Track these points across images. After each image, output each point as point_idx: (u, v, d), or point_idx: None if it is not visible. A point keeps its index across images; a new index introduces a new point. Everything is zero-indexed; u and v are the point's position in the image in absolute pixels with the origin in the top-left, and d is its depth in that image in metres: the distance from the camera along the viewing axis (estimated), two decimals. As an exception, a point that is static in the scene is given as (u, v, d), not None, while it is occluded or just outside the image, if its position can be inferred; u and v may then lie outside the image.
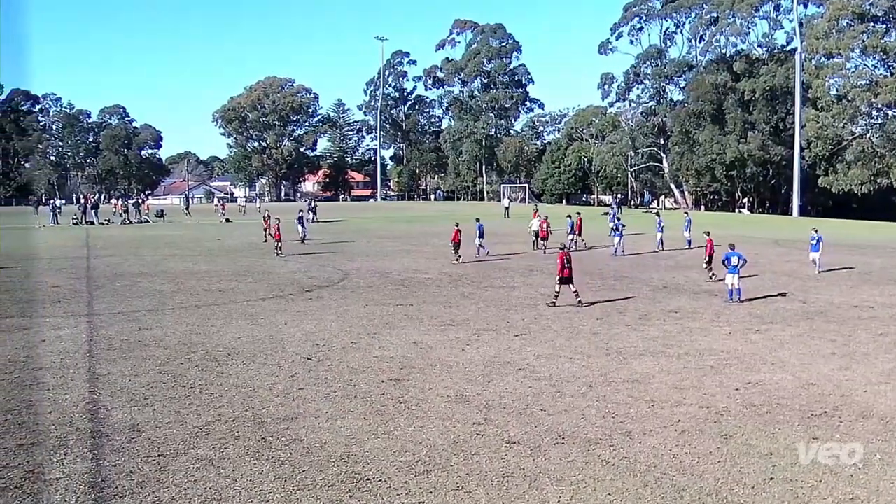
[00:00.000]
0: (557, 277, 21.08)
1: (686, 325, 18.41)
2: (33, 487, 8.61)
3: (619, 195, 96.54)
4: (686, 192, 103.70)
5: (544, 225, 37.07)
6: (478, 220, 36.14)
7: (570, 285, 21.02)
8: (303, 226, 42.29)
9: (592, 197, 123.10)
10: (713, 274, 25.96)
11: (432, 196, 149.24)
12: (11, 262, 33.88)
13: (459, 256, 31.85)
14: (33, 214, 76.52)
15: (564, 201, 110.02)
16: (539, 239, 36.82)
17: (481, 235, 34.67)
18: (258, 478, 8.88)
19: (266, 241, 41.43)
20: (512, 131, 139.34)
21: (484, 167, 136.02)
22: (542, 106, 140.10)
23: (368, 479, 8.82)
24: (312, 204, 72.18)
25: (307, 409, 11.50)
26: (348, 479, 8.81)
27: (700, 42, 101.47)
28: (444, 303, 21.67)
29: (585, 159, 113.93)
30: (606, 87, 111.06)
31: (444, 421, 10.92)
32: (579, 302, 20.93)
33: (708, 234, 27.46)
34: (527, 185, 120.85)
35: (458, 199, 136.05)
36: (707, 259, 26.42)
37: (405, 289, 24.53)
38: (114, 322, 18.88)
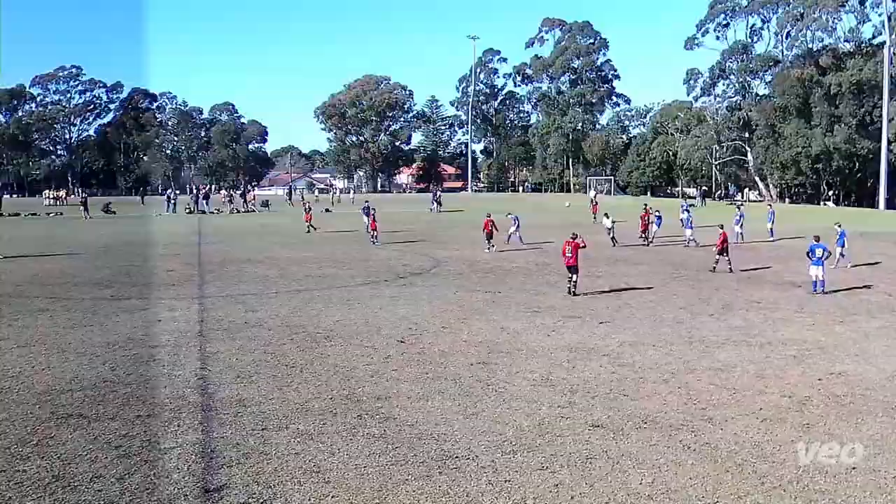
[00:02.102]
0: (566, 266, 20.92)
1: (769, 316, 17.89)
2: (150, 455, 8.93)
3: (703, 187, 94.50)
4: (770, 185, 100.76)
5: (645, 217, 36.48)
6: (509, 214, 36.54)
7: (574, 274, 20.73)
8: (368, 216, 42.89)
9: (677, 189, 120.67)
10: (715, 267, 25.21)
11: (520, 188, 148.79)
12: (132, 247, 35.17)
13: (493, 245, 31.93)
14: (140, 204, 79.30)
15: (649, 193, 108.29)
16: (639, 231, 36.32)
17: (515, 225, 35.39)
18: (354, 452, 9.01)
19: (309, 231, 42.27)
20: (598, 126, 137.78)
21: (571, 160, 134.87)
22: (627, 101, 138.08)
23: (457, 457, 8.87)
24: (437, 194, 73.43)
25: (400, 389, 11.62)
26: (438, 457, 8.87)
27: (786, 38, 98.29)
28: (531, 290, 21.56)
29: (670, 152, 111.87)
30: (692, 82, 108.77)
31: (530, 403, 10.89)
32: (574, 291, 20.64)
33: (722, 227, 26.41)
34: (612, 177, 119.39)
35: (546, 191, 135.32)
36: (718, 251, 25.48)
37: (493, 276, 24.51)
38: (223, 304, 19.40)
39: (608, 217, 36.29)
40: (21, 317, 17.72)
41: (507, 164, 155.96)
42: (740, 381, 12.16)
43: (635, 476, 8.35)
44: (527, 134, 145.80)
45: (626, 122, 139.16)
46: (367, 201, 48.18)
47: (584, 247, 21.10)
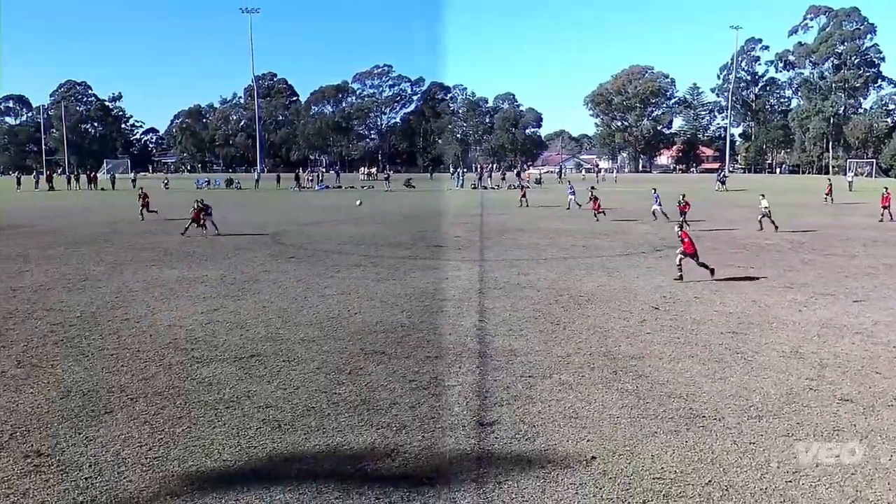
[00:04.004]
0: (685, 253, 17.52)
1: None
2: (436, 390, 9.42)
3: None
4: None
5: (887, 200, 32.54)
6: (654, 189, 35.39)
7: (694, 259, 17.52)
8: (574, 195, 42.56)
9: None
10: None
11: (777, 170, 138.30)
12: (427, 216, 37.09)
13: (686, 223, 29.40)
14: (429, 179, 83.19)
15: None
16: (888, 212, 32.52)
17: (658, 203, 33.78)
18: (608, 403, 8.93)
19: (521, 205, 43.30)
20: (860, 109, 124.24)
21: (830, 143, 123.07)
22: (894, 84, 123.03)
23: (704, 417, 8.50)
24: (722, 174, 71.25)
25: (652, 350, 11.30)
26: (686, 415, 8.55)
27: None
28: (784, 267, 19.97)
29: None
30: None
31: (778, 373, 10.15)
32: (711, 270, 17.53)
33: None
34: (874, 160, 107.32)
35: (803, 172, 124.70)
36: None
37: (746, 252, 23.02)
38: (499, 267, 19.91)
39: (764, 198, 30.18)
40: (341, 270, 19.35)
41: (764, 146, 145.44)
42: None
43: (885, 452, 7.52)
44: (786, 118, 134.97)
45: (892, 106, 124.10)
46: (570, 181, 47.87)
47: (683, 240, 17.77)
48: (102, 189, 73.89)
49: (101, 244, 25.48)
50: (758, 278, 18.06)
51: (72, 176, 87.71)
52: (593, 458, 7.39)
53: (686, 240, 17.66)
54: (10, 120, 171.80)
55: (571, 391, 9.36)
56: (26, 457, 7.40)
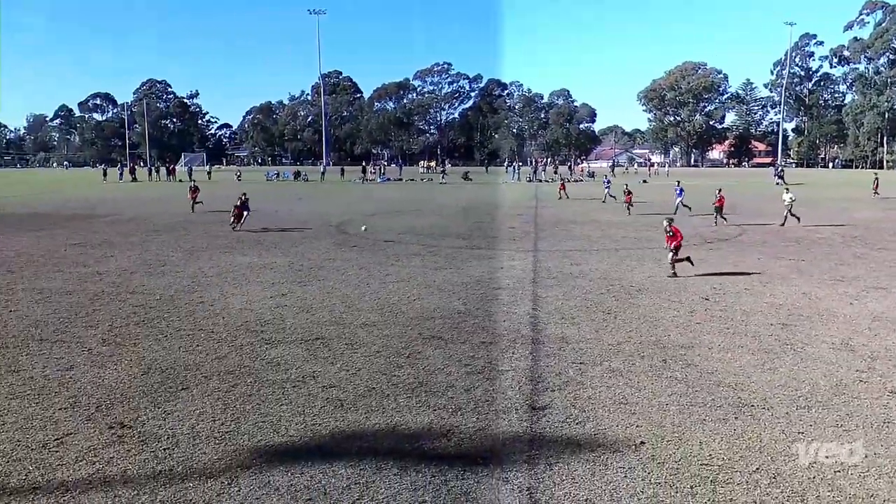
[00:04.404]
0: (673, 247, 16.88)
1: None
2: (490, 374, 9.42)
3: None
4: None
5: None
6: (678, 182, 35.86)
7: (675, 253, 16.84)
8: (609, 188, 42.55)
9: None
10: None
11: (830, 164, 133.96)
12: (484, 208, 37.02)
13: (725, 219, 28.62)
14: (485, 173, 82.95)
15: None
16: None
17: (681, 195, 33.76)
18: (658, 391, 8.80)
19: (560, 197, 41.55)
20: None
21: (885, 138, 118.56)
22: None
23: (752, 406, 8.31)
24: (780, 170, 69.90)
25: (702, 340, 11.09)
26: (734, 403, 8.38)
27: None
28: (836, 260, 19.34)
29: None
30: None
31: (828, 365, 9.85)
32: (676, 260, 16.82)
33: None
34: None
35: (856, 167, 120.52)
36: None
37: (798, 246, 22.36)
38: (552, 258, 19.78)
39: (788, 192, 28.86)
40: (401, 259, 19.48)
41: (817, 141, 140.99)
42: None
43: (936, 445, 7.25)
44: (839, 113, 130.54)
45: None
46: (606, 176, 48.08)
47: (671, 234, 17.16)
48: (180, 181, 75.65)
49: (178, 232, 26.18)
50: (809, 272, 17.54)
51: (152, 168, 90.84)
52: (642, 443, 7.30)
53: (678, 233, 17.14)
54: (97, 116, 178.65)
55: (621, 378, 9.26)
56: (110, 427, 7.68)
